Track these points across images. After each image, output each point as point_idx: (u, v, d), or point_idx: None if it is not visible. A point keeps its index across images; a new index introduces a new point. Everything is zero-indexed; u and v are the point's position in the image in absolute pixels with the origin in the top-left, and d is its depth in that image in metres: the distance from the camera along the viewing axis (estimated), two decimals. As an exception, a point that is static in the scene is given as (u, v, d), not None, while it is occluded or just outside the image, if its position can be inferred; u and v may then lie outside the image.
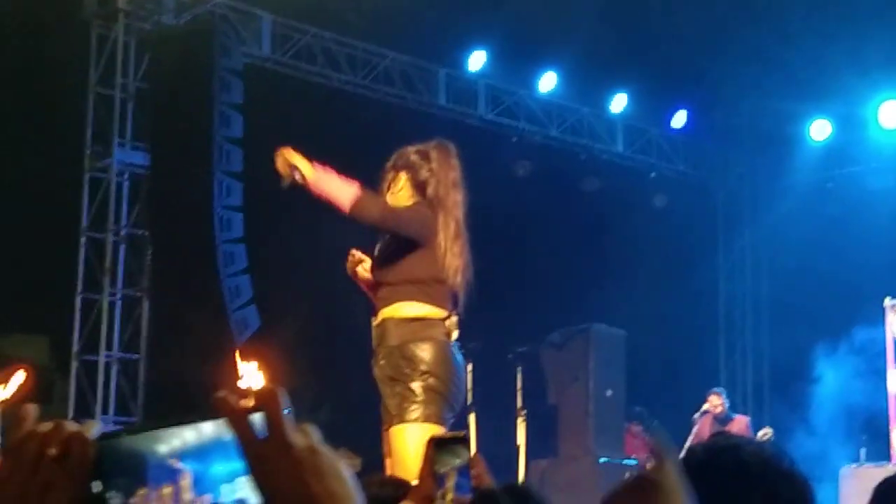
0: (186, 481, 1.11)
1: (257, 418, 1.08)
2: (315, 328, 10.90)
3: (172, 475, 1.11)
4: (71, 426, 1.12)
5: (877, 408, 13.10)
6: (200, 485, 1.11)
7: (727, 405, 11.83)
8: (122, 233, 11.29)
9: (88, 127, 11.27)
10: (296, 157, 5.04)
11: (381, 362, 5.14)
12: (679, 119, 15.02)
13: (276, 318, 10.67)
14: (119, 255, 11.29)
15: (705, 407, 11.72)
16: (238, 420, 1.07)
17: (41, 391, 10.18)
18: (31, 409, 1.17)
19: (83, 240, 11.20)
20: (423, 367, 5.03)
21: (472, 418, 9.80)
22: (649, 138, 15.15)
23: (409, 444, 4.84)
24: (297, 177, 5.00)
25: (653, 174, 15.13)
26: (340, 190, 4.98)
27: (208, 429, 1.10)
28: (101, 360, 11.00)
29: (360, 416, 6.51)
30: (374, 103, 12.67)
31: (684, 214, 14.96)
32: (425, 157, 5.27)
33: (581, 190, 14.35)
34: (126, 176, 11.39)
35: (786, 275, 14.84)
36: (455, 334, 5.21)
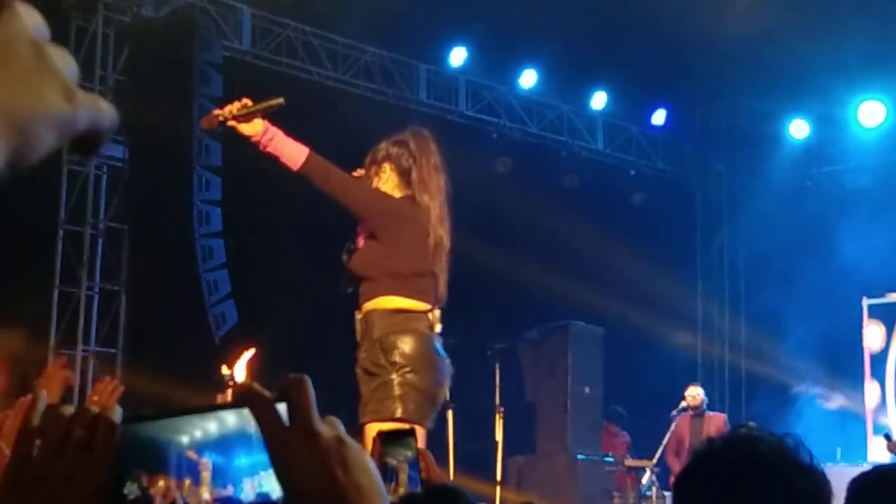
0: (207, 473, 1.08)
1: (282, 408, 1.05)
2: (294, 324, 10.87)
3: (193, 467, 1.08)
4: (94, 409, 1.09)
5: (853, 408, 13.17)
6: (222, 477, 1.08)
7: (705, 400, 11.88)
8: (100, 226, 11.23)
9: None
10: (248, 108, 4.98)
11: (363, 355, 5.11)
12: (658, 117, 15.05)
13: (253, 313, 10.65)
14: (97, 249, 11.24)
15: (683, 404, 11.76)
16: (263, 407, 1.05)
17: (18, 384, 10.12)
18: (43, 395, 1.14)
19: (61, 233, 11.14)
20: (400, 361, 5.00)
21: (449, 414, 9.80)
22: (629, 136, 15.18)
23: None
24: (226, 121, 4.99)
25: (632, 172, 15.16)
26: (291, 148, 4.98)
27: (231, 420, 1.08)
28: (79, 353, 10.94)
29: (342, 412, 6.49)
30: (354, 98, 12.64)
31: (663, 212, 14.99)
32: (404, 145, 5.28)
33: (561, 187, 14.37)
34: (104, 169, 11.34)
35: (763, 274, 14.90)
36: (438, 327, 5.20)
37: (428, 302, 5.16)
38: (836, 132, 14.70)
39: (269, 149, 4.97)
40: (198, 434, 1.08)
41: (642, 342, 13.84)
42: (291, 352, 10.43)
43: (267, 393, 1.05)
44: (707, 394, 12.19)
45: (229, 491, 1.09)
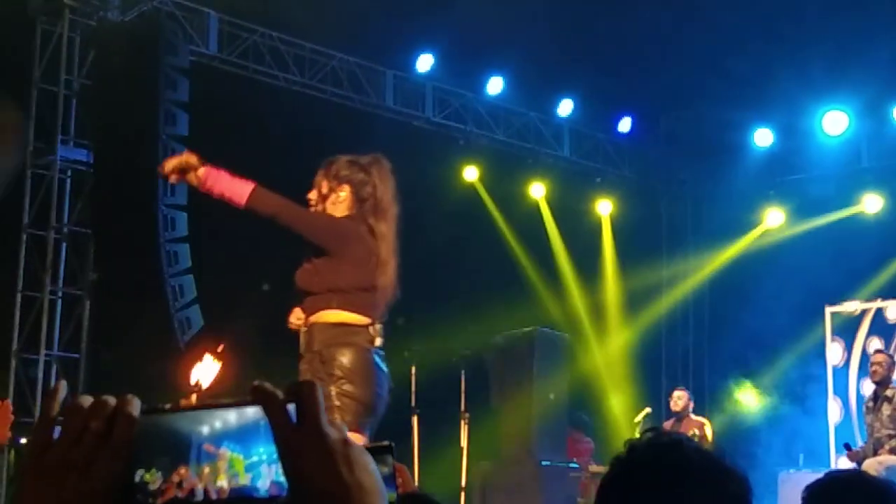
0: (224, 462, 1.12)
1: (292, 409, 1.10)
2: (258, 329, 10.84)
3: (212, 457, 1.13)
4: (113, 401, 1.13)
5: (816, 414, 13.28)
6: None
7: (689, 405, 11.85)
8: (64, 230, 11.17)
9: (31, 123, 11.14)
10: (187, 160, 5.09)
11: (304, 367, 5.23)
12: (624, 125, 15.12)
13: (218, 318, 10.62)
14: (60, 253, 11.17)
15: (647, 410, 11.79)
16: (275, 407, 1.10)
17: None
18: (63, 384, 1.18)
19: (24, 237, 11.07)
20: (338, 373, 5.09)
21: (415, 420, 9.81)
22: (595, 143, 15.24)
23: None
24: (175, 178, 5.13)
25: (598, 179, 15.23)
26: (236, 185, 5.06)
27: (249, 412, 1.12)
28: (41, 358, 10.88)
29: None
30: (321, 104, 12.64)
31: (629, 219, 15.06)
32: (367, 172, 5.36)
33: (527, 193, 14.41)
34: (69, 173, 11.28)
35: (727, 281, 14.98)
36: (379, 341, 5.28)
37: (369, 316, 5.25)
38: (800, 141, 14.81)
39: (214, 190, 5.06)
40: (217, 424, 1.13)
41: (607, 350, 13.90)
42: (257, 358, 10.42)
43: (279, 393, 1.10)
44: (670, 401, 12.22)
45: (247, 479, 1.13)
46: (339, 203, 5.30)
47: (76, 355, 11.09)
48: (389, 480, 3.00)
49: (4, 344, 10.88)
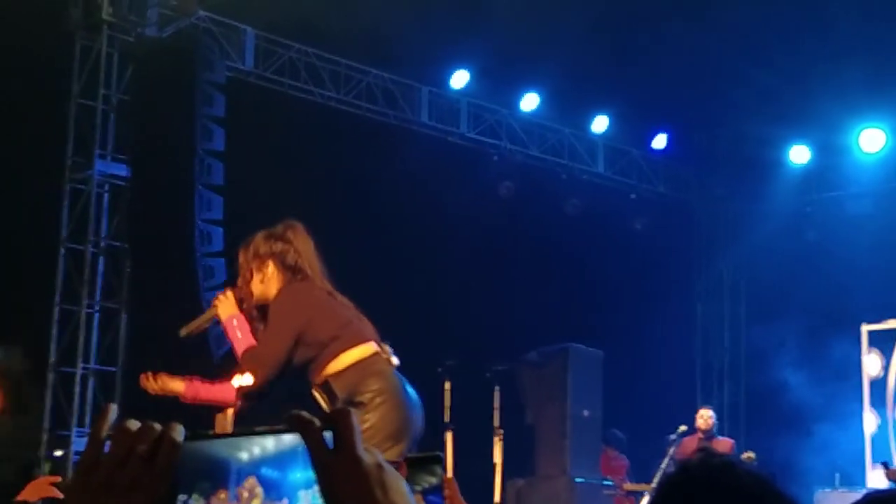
0: (260, 489, 1.18)
1: (328, 435, 1.16)
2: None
3: (246, 481, 1.18)
4: (158, 427, 1.18)
5: (852, 433, 13.17)
6: (278, 490, 1.18)
7: (716, 423, 11.86)
8: (102, 244, 11.24)
9: (70, 138, 11.23)
10: (234, 318, 5.41)
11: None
12: (659, 141, 15.09)
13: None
14: (98, 267, 11.24)
15: (682, 428, 11.74)
16: (312, 433, 1.15)
17: (17, 402, 10.12)
18: (113, 407, 1.23)
19: (62, 251, 11.15)
20: (368, 405, 5.13)
21: (448, 436, 9.79)
22: (630, 159, 15.22)
23: None
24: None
25: (633, 195, 15.19)
26: (241, 341, 5.36)
27: (287, 438, 1.17)
28: (78, 372, 10.94)
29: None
30: (356, 120, 12.68)
31: (664, 236, 15.01)
32: (287, 241, 5.47)
33: (561, 210, 14.39)
34: (106, 188, 11.35)
35: (764, 298, 14.90)
36: (395, 360, 5.33)
37: (368, 341, 5.30)
38: (837, 158, 14.73)
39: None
40: (256, 451, 1.18)
41: (641, 366, 13.84)
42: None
43: (316, 421, 1.16)
44: (706, 419, 12.17)
45: (284, 503, 1.18)
46: (269, 279, 5.42)
47: (113, 369, 11.15)
48: (437, 491, 2.99)
49: (42, 357, 10.95)
